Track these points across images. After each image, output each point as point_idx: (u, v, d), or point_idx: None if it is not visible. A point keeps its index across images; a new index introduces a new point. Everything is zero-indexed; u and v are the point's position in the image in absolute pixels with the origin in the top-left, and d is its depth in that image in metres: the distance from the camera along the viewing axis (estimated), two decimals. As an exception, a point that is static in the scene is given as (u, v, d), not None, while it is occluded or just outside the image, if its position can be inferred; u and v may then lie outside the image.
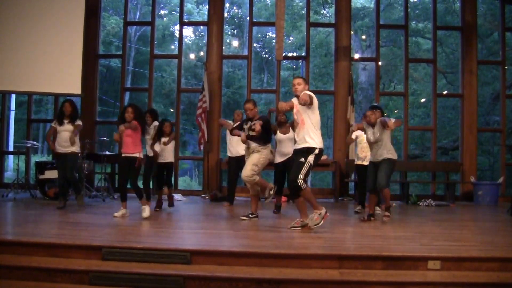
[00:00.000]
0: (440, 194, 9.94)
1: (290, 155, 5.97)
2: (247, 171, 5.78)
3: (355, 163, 7.11)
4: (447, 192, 9.28)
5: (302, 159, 4.90)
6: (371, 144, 5.97)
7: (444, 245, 4.42)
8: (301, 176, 4.86)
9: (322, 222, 4.94)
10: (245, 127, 5.99)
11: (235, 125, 6.43)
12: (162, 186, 6.94)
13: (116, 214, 5.85)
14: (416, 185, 14.18)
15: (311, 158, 4.93)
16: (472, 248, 4.34)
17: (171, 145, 6.81)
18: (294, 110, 5.07)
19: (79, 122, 6.87)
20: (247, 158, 5.94)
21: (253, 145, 5.82)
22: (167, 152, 6.78)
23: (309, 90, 5.08)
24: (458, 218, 6.92)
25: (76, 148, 6.87)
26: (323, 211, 4.97)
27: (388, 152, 5.85)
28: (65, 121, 6.79)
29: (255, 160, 5.76)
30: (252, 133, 5.79)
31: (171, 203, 7.09)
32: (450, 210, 7.95)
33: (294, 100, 5.13)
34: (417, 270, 3.89)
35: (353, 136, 6.54)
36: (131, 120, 5.86)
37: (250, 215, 5.94)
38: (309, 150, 4.95)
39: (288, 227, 5.13)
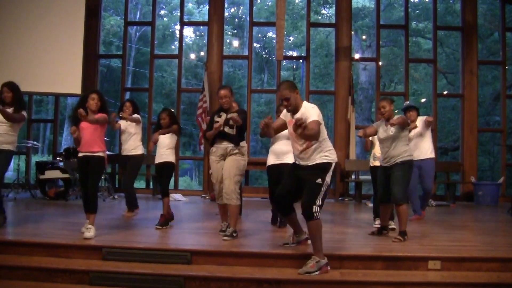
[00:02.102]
0: (441, 194, 9.95)
1: (285, 155, 5.24)
2: (230, 185, 4.57)
3: (370, 164, 5.72)
4: (447, 192, 9.29)
5: (319, 180, 3.79)
6: (382, 142, 4.91)
7: (444, 245, 4.42)
8: (318, 201, 3.75)
9: (317, 273, 3.72)
10: (219, 119, 4.71)
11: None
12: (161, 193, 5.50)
13: (84, 231, 4.45)
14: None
15: (328, 178, 3.86)
16: (472, 248, 4.34)
17: (169, 141, 5.44)
18: (290, 130, 3.90)
19: (23, 113, 5.03)
20: (214, 162, 4.75)
21: (226, 144, 4.67)
22: (163, 149, 5.41)
23: (299, 95, 3.90)
24: (459, 218, 6.92)
25: (9, 146, 5.01)
26: (324, 262, 3.79)
27: (403, 154, 4.78)
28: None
29: (235, 169, 4.62)
30: (229, 131, 4.65)
31: (164, 220, 5.23)
32: (450, 210, 7.95)
33: (284, 116, 4.04)
34: (418, 270, 3.90)
35: (370, 138, 5.43)
36: (96, 109, 4.66)
37: (234, 233, 4.61)
38: (326, 168, 3.85)
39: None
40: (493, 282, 3.70)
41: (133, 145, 6.09)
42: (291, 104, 3.84)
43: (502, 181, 9.25)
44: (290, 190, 4.03)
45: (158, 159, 5.41)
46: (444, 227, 5.73)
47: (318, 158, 3.85)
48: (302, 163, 3.93)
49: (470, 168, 9.60)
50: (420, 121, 6.12)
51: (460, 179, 9.87)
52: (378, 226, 5.28)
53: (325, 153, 3.87)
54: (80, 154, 4.67)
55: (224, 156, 4.70)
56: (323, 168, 3.85)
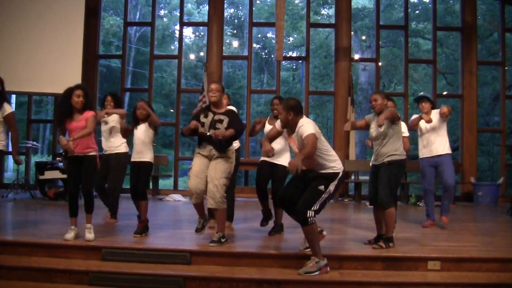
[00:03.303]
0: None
1: (279, 154, 4.91)
2: (215, 188, 4.21)
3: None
4: (447, 193, 9.27)
5: (322, 187, 3.71)
6: (373, 140, 4.58)
7: (444, 246, 4.43)
8: (315, 207, 3.66)
9: (317, 273, 3.70)
10: (205, 120, 4.37)
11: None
12: (137, 195, 4.83)
13: (67, 236, 4.28)
14: (416, 186, 14.16)
15: (332, 187, 3.76)
16: (472, 249, 4.34)
17: (145, 136, 4.83)
18: (294, 148, 3.92)
19: (7, 110, 4.67)
20: (197, 157, 4.43)
21: (211, 147, 4.33)
22: (139, 146, 4.82)
23: (297, 117, 3.79)
24: (458, 219, 6.91)
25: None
26: (323, 262, 3.76)
27: (392, 152, 4.44)
28: None
29: (220, 172, 4.27)
30: (216, 135, 4.21)
31: (140, 229, 4.69)
32: (450, 210, 7.94)
33: (279, 126, 3.96)
34: (417, 271, 3.90)
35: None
36: (80, 108, 4.41)
37: (222, 239, 4.31)
38: (332, 177, 3.78)
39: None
40: (493, 283, 3.70)
41: (117, 143, 5.51)
42: (282, 120, 3.83)
43: (501, 182, 9.25)
44: (296, 188, 3.88)
45: (133, 157, 4.87)
46: (443, 228, 5.72)
47: (324, 170, 3.79)
48: (312, 170, 3.82)
49: (470, 169, 9.61)
50: (435, 114, 5.69)
51: (459, 179, 9.86)
52: None
53: (331, 164, 3.80)
54: (70, 155, 4.42)
55: (209, 156, 4.35)
56: (329, 177, 3.77)
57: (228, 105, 4.98)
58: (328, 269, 3.78)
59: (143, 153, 4.80)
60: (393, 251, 4.17)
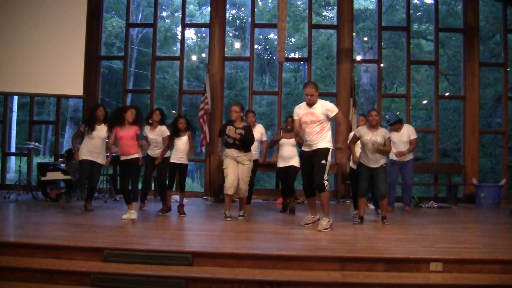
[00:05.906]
0: (442, 196, 9.94)
1: (291, 159, 6.79)
2: (244, 185, 6.15)
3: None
4: (449, 194, 9.27)
5: (324, 161, 5.24)
6: (368, 149, 5.90)
7: (446, 247, 4.42)
8: (325, 177, 5.24)
9: (329, 229, 5.24)
10: (233, 135, 6.06)
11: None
12: (172, 187, 6.59)
13: (123, 216, 5.77)
14: (418, 187, 14.16)
15: (329, 159, 5.31)
16: (474, 250, 4.34)
17: (185, 147, 6.47)
18: (305, 118, 5.39)
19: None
20: (231, 161, 6.13)
21: (237, 153, 6.09)
22: (181, 153, 6.45)
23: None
24: (460, 220, 6.91)
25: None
26: (332, 220, 5.37)
27: (382, 159, 5.92)
28: (97, 126, 6.67)
29: (247, 173, 6.15)
30: (230, 136, 6.04)
31: (182, 210, 6.50)
32: (452, 212, 7.94)
33: (297, 115, 5.50)
34: (419, 272, 3.89)
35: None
36: (131, 121, 5.88)
37: (245, 214, 6.27)
38: (327, 152, 5.29)
39: (301, 223, 5.67)
40: (495, 284, 3.70)
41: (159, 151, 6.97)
42: (313, 100, 5.35)
43: (503, 183, 9.23)
44: (309, 177, 5.40)
45: (172, 159, 6.44)
46: (445, 229, 5.72)
47: (321, 143, 5.29)
48: (312, 147, 5.35)
49: (472, 170, 9.59)
50: (406, 128, 7.42)
51: (461, 181, 9.85)
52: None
53: (327, 138, 5.33)
54: (122, 158, 5.82)
55: (235, 159, 6.09)
56: (325, 152, 5.27)
57: (255, 121, 7.30)
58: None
59: (183, 158, 6.45)
60: (395, 252, 4.17)
